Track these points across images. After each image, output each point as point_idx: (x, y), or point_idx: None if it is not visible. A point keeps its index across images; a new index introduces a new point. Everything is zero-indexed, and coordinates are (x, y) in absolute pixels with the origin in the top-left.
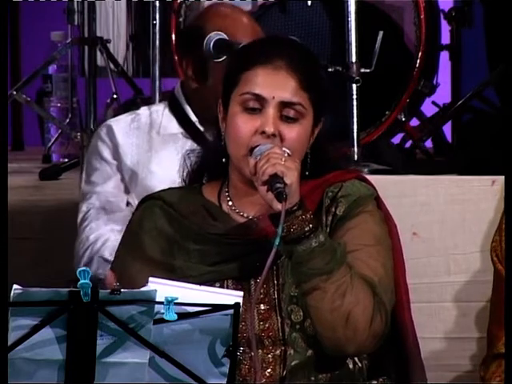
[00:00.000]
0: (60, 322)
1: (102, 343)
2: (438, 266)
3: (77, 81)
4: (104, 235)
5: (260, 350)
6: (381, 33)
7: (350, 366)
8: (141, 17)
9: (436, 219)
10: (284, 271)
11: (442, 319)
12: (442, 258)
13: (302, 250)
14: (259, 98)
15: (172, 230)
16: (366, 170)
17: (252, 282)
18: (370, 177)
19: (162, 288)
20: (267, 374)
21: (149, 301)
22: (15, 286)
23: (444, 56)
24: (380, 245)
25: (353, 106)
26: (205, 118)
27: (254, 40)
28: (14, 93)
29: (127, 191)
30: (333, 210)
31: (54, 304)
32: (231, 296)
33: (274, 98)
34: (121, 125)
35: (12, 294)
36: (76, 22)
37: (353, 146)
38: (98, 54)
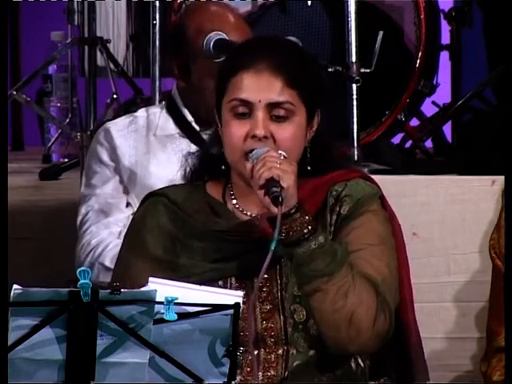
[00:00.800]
0: (60, 322)
1: (101, 343)
2: (437, 266)
3: (77, 81)
4: (105, 240)
5: (262, 350)
6: (381, 33)
7: (353, 366)
8: (141, 17)
9: (436, 219)
10: (287, 270)
11: (442, 319)
12: (442, 257)
13: (302, 252)
14: (246, 103)
15: (175, 228)
16: (366, 170)
17: (255, 281)
18: None
19: (162, 288)
20: (269, 374)
21: (149, 301)
22: (15, 286)
23: (444, 56)
24: (384, 244)
25: (353, 105)
26: (200, 118)
27: (238, 44)
28: (14, 93)
29: (126, 192)
30: (337, 209)
31: (54, 304)
32: (231, 296)
33: (260, 101)
34: (118, 127)
35: (12, 294)
36: (76, 22)
37: (353, 146)
38: (98, 54)
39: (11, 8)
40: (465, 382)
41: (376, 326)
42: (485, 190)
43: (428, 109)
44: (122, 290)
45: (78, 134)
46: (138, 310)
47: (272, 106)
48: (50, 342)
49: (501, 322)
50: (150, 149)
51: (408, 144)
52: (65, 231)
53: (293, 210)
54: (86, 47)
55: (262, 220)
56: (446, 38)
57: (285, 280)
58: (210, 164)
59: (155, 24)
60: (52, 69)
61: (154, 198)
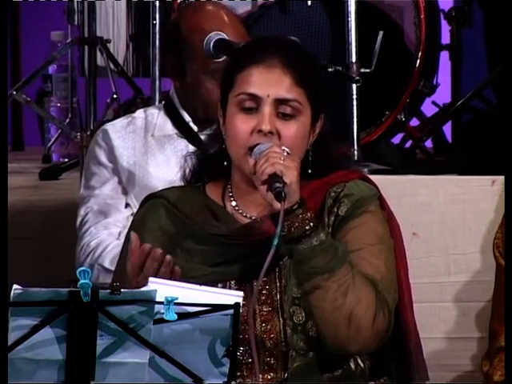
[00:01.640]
0: (60, 322)
1: (101, 343)
2: (437, 266)
3: (77, 81)
4: (104, 241)
5: (262, 352)
6: (381, 33)
7: (352, 366)
8: (141, 17)
9: (436, 219)
10: (286, 273)
11: (442, 319)
12: (442, 257)
13: (303, 248)
14: (254, 97)
15: (175, 230)
16: (365, 169)
17: (255, 284)
18: (370, 177)
19: (162, 288)
20: (269, 377)
21: (149, 301)
22: (15, 286)
23: (444, 56)
24: (383, 244)
25: (353, 105)
26: (197, 118)
27: (248, 41)
28: (14, 93)
29: (125, 192)
30: (335, 210)
31: (54, 304)
32: (231, 296)
33: (268, 96)
34: (116, 128)
35: (12, 294)
36: (76, 22)
37: (353, 146)
38: (98, 53)
39: (11, 8)
40: (465, 381)
41: (375, 325)
42: (485, 189)
43: (428, 109)
44: (122, 290)
45: (78, 134)
46: (138, 310)
47: (279, 103)
48: (49, 342)
49: (503, 322)
50: (149, 149)
51: (408, 144)
52: (65, 231)
53: (295, 206)
54: (86, 47)
55: (264, 222)
56: (446, 38)
57: (284, 282)
58: (210, 163)
59: (155, 24)
60: (52, 69)
61: (154, 200)
